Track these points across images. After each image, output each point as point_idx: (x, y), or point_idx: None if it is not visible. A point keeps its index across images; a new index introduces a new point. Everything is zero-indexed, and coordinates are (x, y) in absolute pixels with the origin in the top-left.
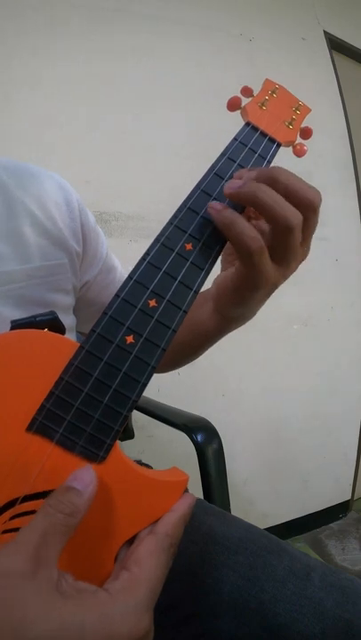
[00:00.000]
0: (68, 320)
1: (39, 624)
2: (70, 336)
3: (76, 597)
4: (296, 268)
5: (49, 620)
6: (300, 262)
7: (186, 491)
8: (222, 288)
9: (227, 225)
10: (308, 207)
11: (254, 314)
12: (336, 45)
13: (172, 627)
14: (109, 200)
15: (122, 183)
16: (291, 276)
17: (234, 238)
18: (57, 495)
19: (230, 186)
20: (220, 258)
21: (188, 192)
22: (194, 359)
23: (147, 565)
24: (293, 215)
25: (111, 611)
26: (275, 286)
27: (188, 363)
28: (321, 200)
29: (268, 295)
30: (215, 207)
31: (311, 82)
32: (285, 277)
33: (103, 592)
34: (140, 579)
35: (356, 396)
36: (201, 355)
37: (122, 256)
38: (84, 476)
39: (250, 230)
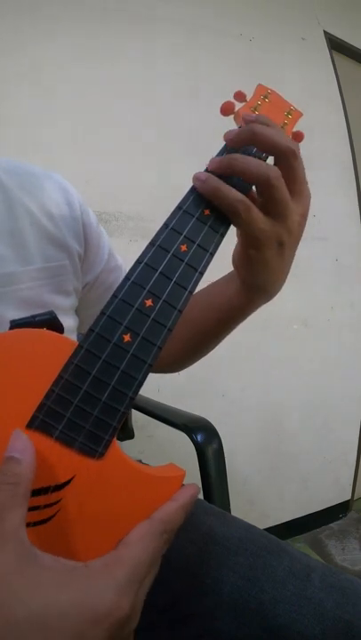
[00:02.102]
0: (69, 321)
1: (25, 605)
2: (71, 337)
3: (55, 570)
4: (296, 221)
5: (33, 601)
6: (301, 215)
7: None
8: (236, 258)
9: (212, 191)
10: (287, 154)
11: (279, 286)
12: (336, 45)
13: (170, 626)
14: (109, 200)
15: (122, 183)
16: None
17: (220, 202)
18: None
19: (212, 161)
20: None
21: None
22: (213, 348)
23: (134, 547)
24: (269, 169)
25: (89, 587)
26: (280, 244)
27: (206, 353)
28: (298, 147)
29: (279, 255)
30: (200, 177)
31: (311, 82)
32: (290, 232)
33: (83, 568)
34: (123, 558)
35: (357, 396)
36: (220, 342)
37: (122, 256)
38: (17, 443)
39: (234, 193)
